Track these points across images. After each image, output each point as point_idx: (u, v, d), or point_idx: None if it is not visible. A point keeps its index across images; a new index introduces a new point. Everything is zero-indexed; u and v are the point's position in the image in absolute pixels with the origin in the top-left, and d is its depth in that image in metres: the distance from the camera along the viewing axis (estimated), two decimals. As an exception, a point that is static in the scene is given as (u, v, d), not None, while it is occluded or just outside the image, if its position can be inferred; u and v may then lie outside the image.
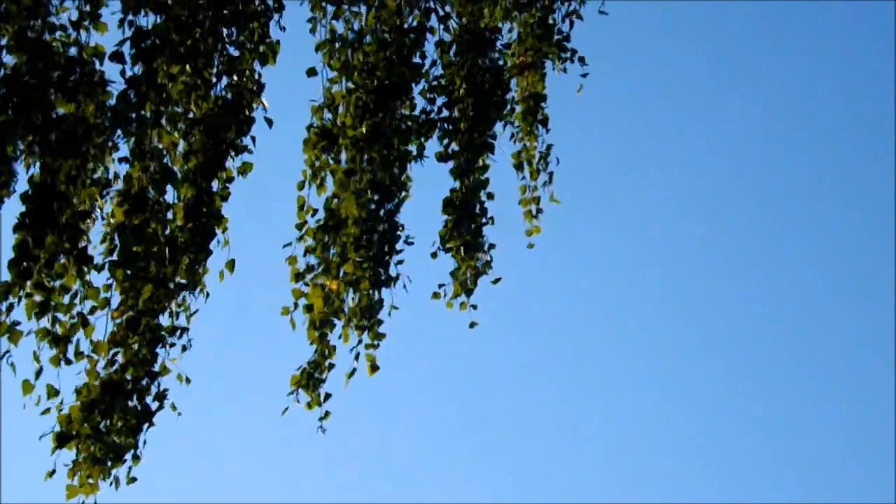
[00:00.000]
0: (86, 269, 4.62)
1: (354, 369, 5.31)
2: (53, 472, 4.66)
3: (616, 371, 13.67)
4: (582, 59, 5.90)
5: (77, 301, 4.65)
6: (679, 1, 12.62)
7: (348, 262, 5.26)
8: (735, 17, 13.66)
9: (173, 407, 4.87)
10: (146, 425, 4.78)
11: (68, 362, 4.63)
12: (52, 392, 4.63)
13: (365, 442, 13.04)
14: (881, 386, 13.14)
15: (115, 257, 4.61)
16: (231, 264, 5.02)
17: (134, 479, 4.82)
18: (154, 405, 4.80)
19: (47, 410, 4.66)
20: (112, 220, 4.72)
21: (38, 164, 4.63)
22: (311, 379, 5.28)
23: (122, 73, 4.67)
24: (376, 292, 5.31)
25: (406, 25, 5.57)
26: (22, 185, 4.79)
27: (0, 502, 6.86)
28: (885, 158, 13.33)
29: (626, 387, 13.59)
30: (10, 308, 4.54)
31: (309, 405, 5.26)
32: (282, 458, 12.88)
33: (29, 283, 4.56)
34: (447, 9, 5.72)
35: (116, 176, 4.71)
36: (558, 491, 12.65)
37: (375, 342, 5.30)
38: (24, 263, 4.51)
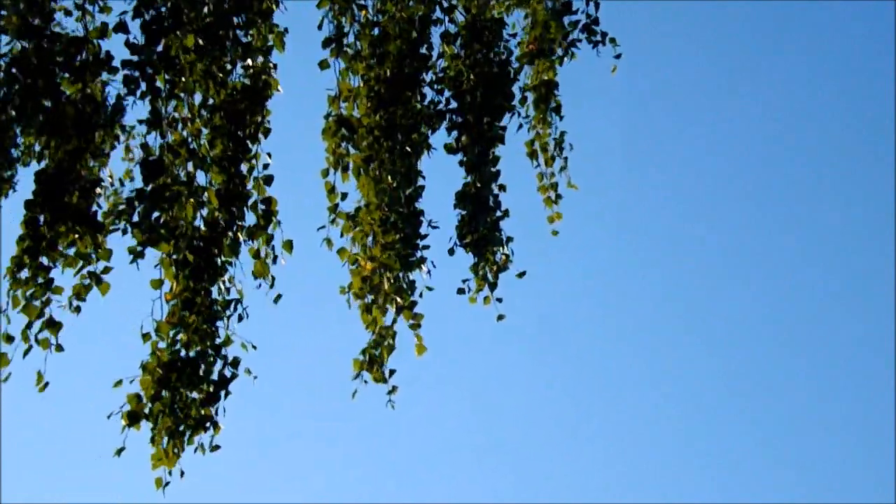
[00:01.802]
0: (99, 235, 4.70)
1: (393, 347, 5.36)
2: (123, 449, 4.76)
3: (616, 371, 13.65)
4: (613, 41, 5.85)
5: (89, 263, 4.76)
6: (679, 1, 12.62)
7: (377, 245, 5.30)
8: (735, 17, 13.67)
9: (248, 371, 4.97)
10: (223, 394, 4.89)
11: (59, 349, 4.70)
12: (39, 378, 4.71)
13: (365, 442, 13.01)
14: (881, 386, 13.14)
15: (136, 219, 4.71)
16: (289, 245, 5.11)
17: (217, 447, 4.90)
18: (228, 373, 4.92)
19: (119, 382, 4.77)
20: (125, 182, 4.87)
21: (46, 153, 4.67)
22: (373, 360, 5.35)
23: (128, 43, 4.74)
24: (406, 275, 5.32)
25: (411, 17, 5.56)
26: (27, 176, 4.85)
27: (0, 502, 6.83)
28: (885, 158, 13.33)
29: (626, 387, 13.58)
30: (25, 282, 4.60)
31: (375, 380, 5.33)
32: (281, 457, 12.85)
33: (28, 268, 4.63)
34: (453, 1, 5.70)
35: (129, 149, 4.81)
36: (558, 491, 12.63)
37: (417, 322, 5.33)
38: (31, 241, 4.58)
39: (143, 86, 4.70)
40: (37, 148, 5.47)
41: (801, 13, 13.84)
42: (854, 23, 13.91)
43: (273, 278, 5.09)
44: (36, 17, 4.61)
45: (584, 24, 5.79)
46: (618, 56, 5.83)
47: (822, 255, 14.05)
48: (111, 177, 4.87)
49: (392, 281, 5.30)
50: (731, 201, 13.98)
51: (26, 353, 4.64)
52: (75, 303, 4.74)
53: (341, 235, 5.41)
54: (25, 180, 5.32)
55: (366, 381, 5.32)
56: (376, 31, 5.50)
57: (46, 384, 4.70)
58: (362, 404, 5.36)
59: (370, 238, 5.34)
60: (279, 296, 5.09)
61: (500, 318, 5.55)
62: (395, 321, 5.33)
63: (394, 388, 5.35)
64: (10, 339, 4.65)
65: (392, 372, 5.36)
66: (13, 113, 5.04)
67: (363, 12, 5.51)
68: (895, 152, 13.05)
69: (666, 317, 13.88)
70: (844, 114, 14.05)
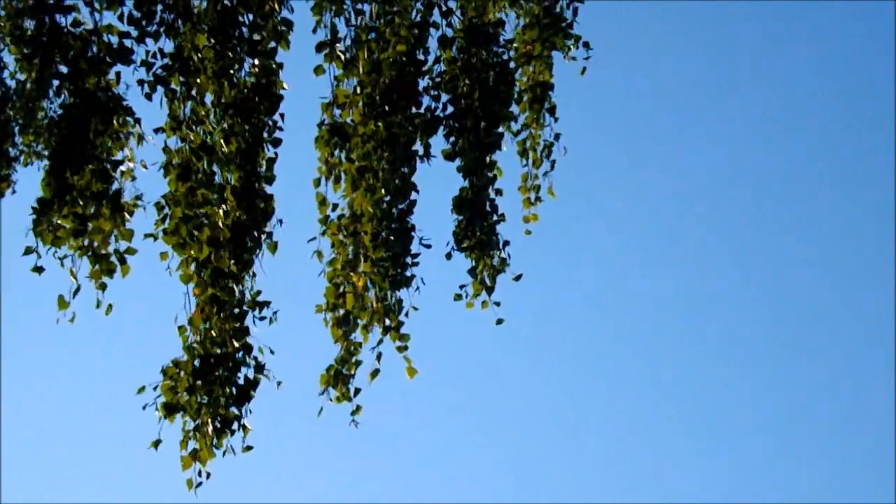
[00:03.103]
0: (121, 216, 4.74)
1: (377, 369, 5.32)
2: (159, 441, 4.80)
3: (616, 371, 13.66)
4: (587, 45, 5.87)
5: (113, 240, 4.80)
6: (679, 1, 12.62)
7: (367, 260, 5.27)
8: (735, 17, 13.67)
9: (268, 377, 4.98)
10: (250, 395, 4.91)
11: (125, 270, 4.76)
12: (98, 304, 4.79)
13: (365, 442, 13.02)
14: (881, 386, 13.14)
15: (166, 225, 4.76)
16: (273, 247, 5.09)
17: (249, 448, 4.93)
18: (252, 377, 4.94)
19: (142, 389, 4.80)
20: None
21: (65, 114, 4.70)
22: (339, 376, 5.31)
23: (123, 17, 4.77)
24: (394, 293, 5.29)
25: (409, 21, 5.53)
26: (27, 176, 4.88)
27: (0, 502, 6.84)
28: (885, 158, 13.33)
29: (626, 387, 13.59)
30: (51, 219, 4.63)
31: (338, 399, 5.29)
32: (283, 458, 12.86)
33: (62, 211, 4.67)
34: (450, 4, 5.69)
35: (142, 138, 4.84)
36: (558, 491, 12.64)
37: (404, 343, 5.30)
38: (57, 183, 4.61)
39: (151, 77, 4.75)
40: (38, 147, 5.49)
41: (801, 13, 13.84)
42: (854, 23, 13.91)
43: (254, 273, 5.09)
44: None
45: (561, 27, 5.81)
46: (586, 58, 5.88)
47: (822, 255, 14.05)
48: (130, 160, 4.89)
49: (380, 298, 5.27)
50: (731, 201, 13.99)
51: (76, 292, 4.71)
52: (101, 279, 4.78)
53: (332, 247, 5.37)
54: (25, 181, 5.35)
55: (330, 399, 5.28)
56: (373, 35, 5.47)
57: (110, 306, 4.77)
58: (362, 405, 5.32)
59: (352, 249, 5.29)
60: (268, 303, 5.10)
61: (500, 322, 5.55)
62: (380, 341, 5.29)
63: (357, 408, 5.29)
64: (73, 274, 4.73)
65: (357, 391, 5.30)
66: (10, 114, 5.07)
67: (360, 17, 5.49)
68: (895, 152, 13.05)
69: (665, 317, 13.89)
70: (844, 113, 14.06)
